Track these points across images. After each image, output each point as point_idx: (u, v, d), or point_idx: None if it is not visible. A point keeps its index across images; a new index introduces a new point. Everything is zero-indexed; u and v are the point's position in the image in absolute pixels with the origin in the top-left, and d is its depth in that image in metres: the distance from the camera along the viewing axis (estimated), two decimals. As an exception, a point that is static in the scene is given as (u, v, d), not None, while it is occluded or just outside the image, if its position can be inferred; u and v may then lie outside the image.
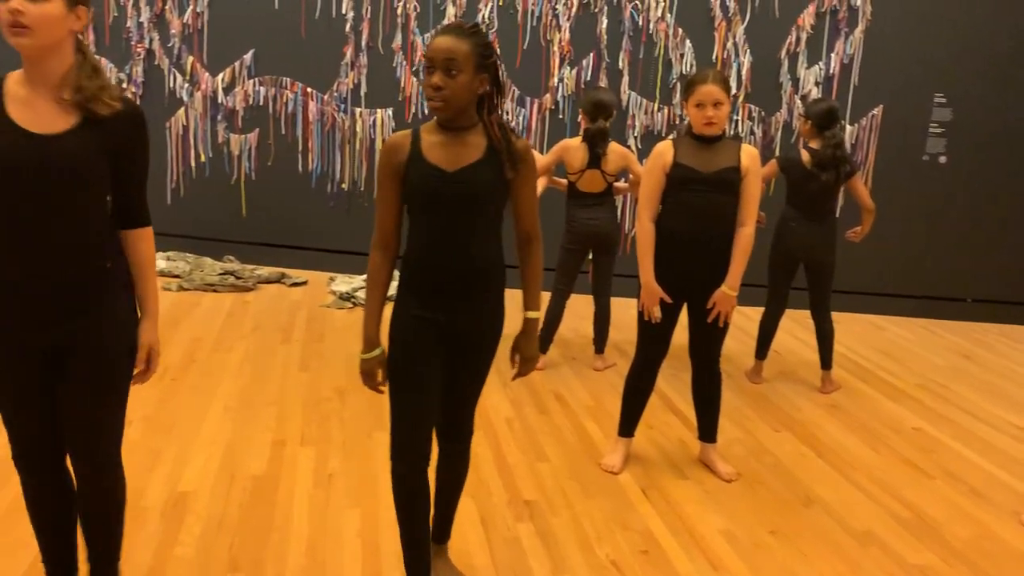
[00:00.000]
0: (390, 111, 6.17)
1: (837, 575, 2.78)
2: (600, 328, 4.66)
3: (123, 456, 3.26)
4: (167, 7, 6.12)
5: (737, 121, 6.12)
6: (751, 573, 2.75)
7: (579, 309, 5.83)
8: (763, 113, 6.13)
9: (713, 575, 2.73)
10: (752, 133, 6.15)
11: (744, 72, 6.04)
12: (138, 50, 6.18)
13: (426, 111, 6.12)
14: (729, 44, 6.03)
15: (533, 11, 6.02)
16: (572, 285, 4.56)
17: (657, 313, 3.18)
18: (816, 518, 3.15)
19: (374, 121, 6.18)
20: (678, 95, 6.08)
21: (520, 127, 6.13)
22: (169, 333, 4.71)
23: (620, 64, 6.05)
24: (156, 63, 6.21)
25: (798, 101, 6.08)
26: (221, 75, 6.17)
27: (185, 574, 2.52)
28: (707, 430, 3.50)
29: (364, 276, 5.96)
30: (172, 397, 3.82)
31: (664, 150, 3.18)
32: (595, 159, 4.33)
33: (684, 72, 6.04)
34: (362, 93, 6.16)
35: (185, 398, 3.83)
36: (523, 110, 6.12)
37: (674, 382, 4.40)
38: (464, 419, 2.42)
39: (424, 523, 2.32)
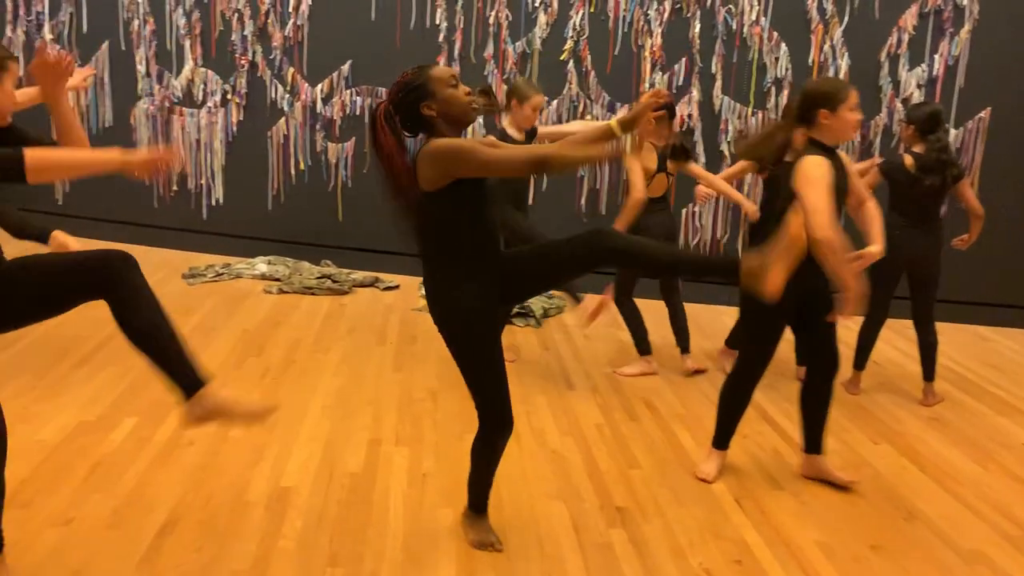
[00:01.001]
0: (480, 118, 6.25)
1: (942, 594, 2.69)
2: (679, 327, 4.62)
3: (228, 451, 3.43)
4: (269, 21, 6.36)
5: (834, 125, 5.96)
6: (850, 588, 2.68)
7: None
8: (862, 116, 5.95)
9: (810, 588, 2.68)
10: (850, 137, 5.99)
11: (842, 75, 5.89)
12: (242, 63, 6.45)
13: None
14: (826, 47, 5.89)
15: (624, 17, 6.01)
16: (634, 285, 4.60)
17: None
18: (919, 534, 3.05)
19: (467, 130, 6.27)
20: (773, 99, 5.96)
21: (610, 133, 6.12)
22: (269, 334, 4.89)
23: (713, 68, 5.98)
24: (259, 75, 6.46)
25: (899, 104, 5.90)
26: (320, 85, 6.38)
27: (288, 566, 2.61)
28: (819, 440, 3.40)
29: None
30: (273, 395, 3.97)
31: (827, 164, 3.00)
32: (663, 162, 4.33)
33: (779, 76, 5.93)
34: (454, 101, 6.26)
35: (286, 396, 3.97)
36: (613, 116, 6.10)
37: (768, 392, 4.31)
38: None
39: None
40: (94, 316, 5.01)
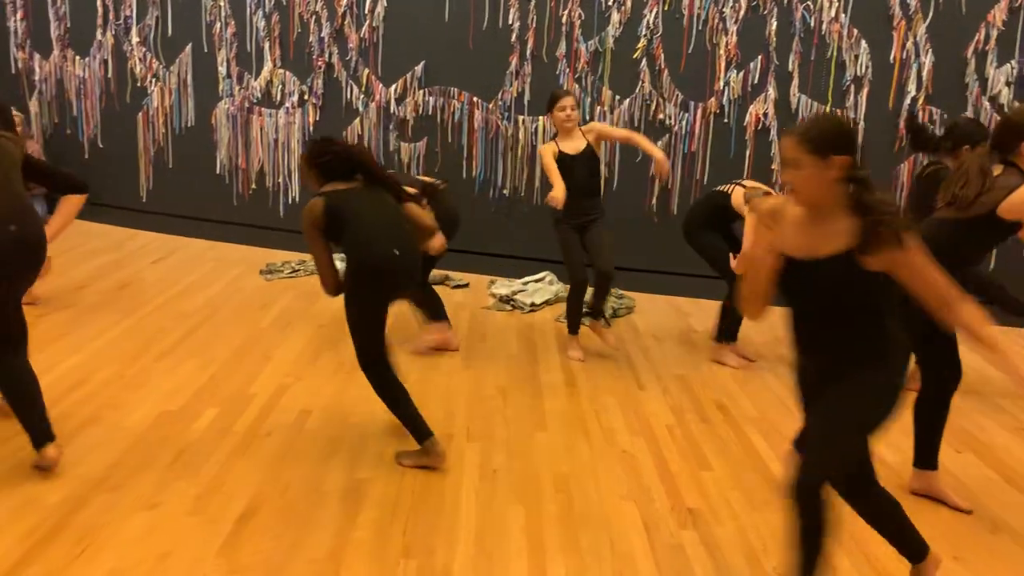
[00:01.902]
0: (552, 118, 6.25)
1: (1030, 609, 2.59)
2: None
3: (304, 443, 3.50)
4: (346, 22, 6.48)
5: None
6: (931, 599, 2.60)
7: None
8: (945, 115, 5.77)
9: (889, 598, 2.61)
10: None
11: (925, 73, 5.71)
12: (319, 64, 6.59)
13: (587, 117, 6.17)
14: (909, 44, 5.72)
15: (699, 15, 5.94)
16: None
17: None
18: (1004, 546, 2.94)
19: (536, 128, 6.29)
20: (851, 97, 5.83)
21: (683, 132, 6.06)
22: (343, 329, 4.96)
23: (790, 66, 5.87)
24: (335, 76, 6.59)
25: (986, 102, 5.69)
26: (394, 86, 6.48)
27: (363, 556, 2.66)
28: (933, 456, 3.24)
29: (523, 280, 6.09)
30: (347, 390, 4.05)
31: None
32: None
33: (858, 74, 5.79)
34: (525, 101, 6.29)
35: (359, 391, 4.03)
36: (687, 115, 6.05)
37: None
38: None
39: None
40: (178, 310, 5.21)
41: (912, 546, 2.49)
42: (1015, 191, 2.86)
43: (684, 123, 6.07)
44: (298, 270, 6.24)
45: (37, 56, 7.40)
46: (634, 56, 6.06)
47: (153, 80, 7.07)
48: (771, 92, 5.92)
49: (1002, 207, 2.88)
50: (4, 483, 2.96)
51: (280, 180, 6.89)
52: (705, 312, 5.83)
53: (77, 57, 7.27)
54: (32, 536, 2.65)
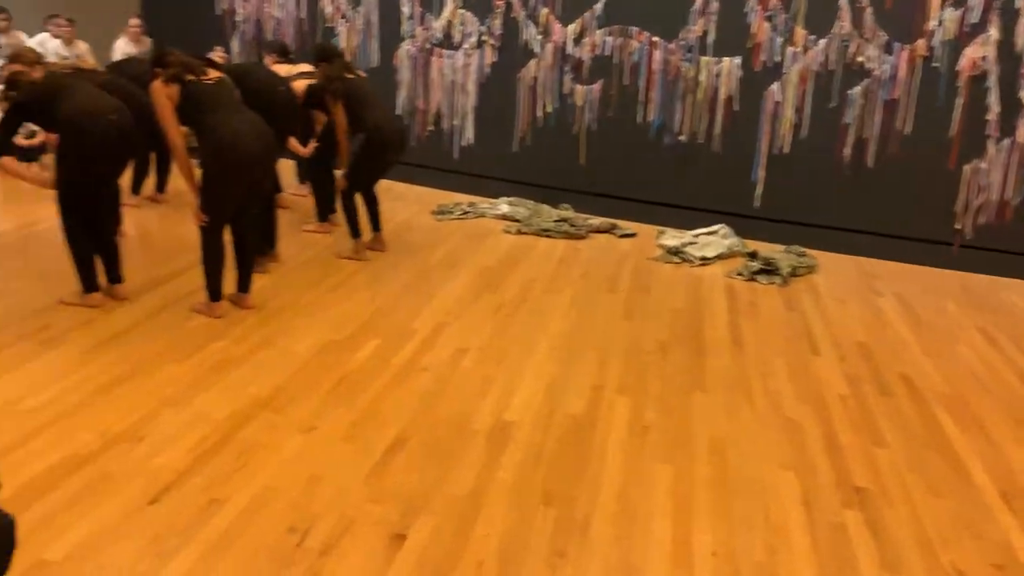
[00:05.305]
0: (738, 60, 5.87)
1: None
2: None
3: (458, 380, 3.53)
4: (527, -40, 6.35)
5: None
6: None
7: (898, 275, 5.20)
8: None
9: (1090, 611, 2.27)
10: None
11: None
12: (498, 4, 6.51)
13: (777, 58, 5.74)
14: None
15: (912, -55, 5.33)
16: None
17: None
18: None
19: (719, 70, 5.93)
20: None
21: (885, 77, 5.51)
22: (506, 272, 4.97)
23: (1016, 2, 5.16)
24: (513, 15, 6.49)
25: None
26: (572, 25, 6.30)
27: (502, 499, 2.63)
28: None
29: (694, 232, 5.81)
30: (505, 331, 4.03)
31: None
32: None
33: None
34: (709, 41, 5.93)
35: (516, 333, 4.01)
36: (890, 58, 5.48)
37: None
38: None
39: None
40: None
41: None
42: None
43: (887, 67, 5.51)
44: (468, 212, 6.28)
45: (239, -2, 7.80)
46: (833, -8, 5.54)
47: (342, 20, 7.27)
48: (993, 32, 5.24)
49: None
50: (180, 399, 3.17)
51: (456, 122, 6.93)
52: (894, 275, 5.35)
53: (274, -2, 7.60)
54: (199, 448, 2.82)
